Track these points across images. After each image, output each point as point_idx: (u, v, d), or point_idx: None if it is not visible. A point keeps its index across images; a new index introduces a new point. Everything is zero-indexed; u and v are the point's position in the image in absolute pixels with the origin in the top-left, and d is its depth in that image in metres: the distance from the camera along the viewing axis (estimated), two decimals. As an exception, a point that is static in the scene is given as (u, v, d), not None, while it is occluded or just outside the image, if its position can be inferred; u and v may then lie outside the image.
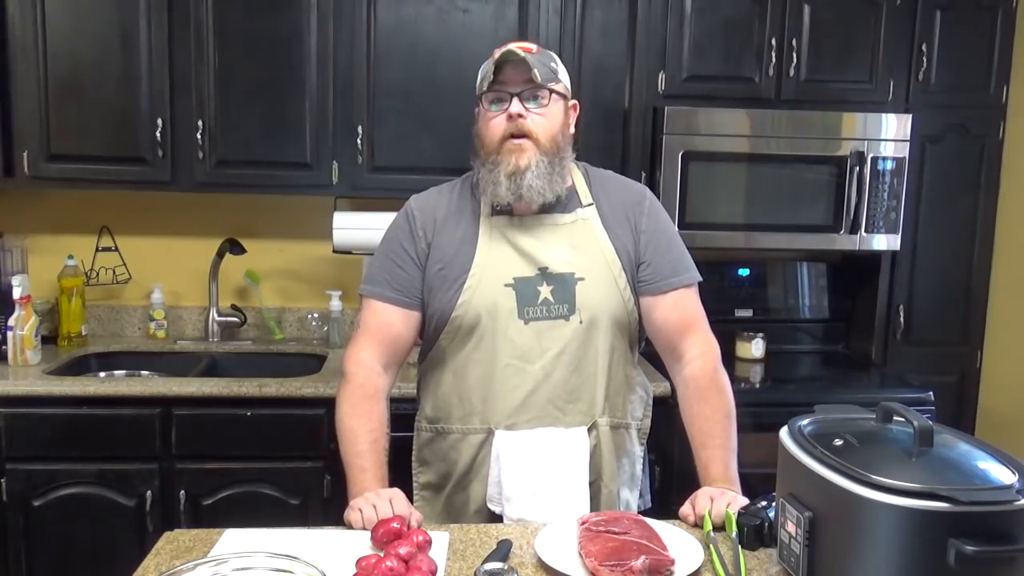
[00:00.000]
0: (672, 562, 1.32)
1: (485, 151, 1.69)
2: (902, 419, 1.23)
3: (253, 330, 3.17)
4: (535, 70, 1.63)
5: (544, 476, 1.66)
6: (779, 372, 3.02)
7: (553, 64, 1.69)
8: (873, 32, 2.92)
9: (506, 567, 1.30)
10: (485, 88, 1.66)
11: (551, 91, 1.67)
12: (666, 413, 2.25)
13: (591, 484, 1.70)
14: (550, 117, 1.67)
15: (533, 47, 1.68)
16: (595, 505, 1.72)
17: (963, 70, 2.97)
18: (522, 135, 1.65)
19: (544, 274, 1.69)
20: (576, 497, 1.67)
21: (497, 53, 1.67)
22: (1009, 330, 3.09)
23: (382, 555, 1.32)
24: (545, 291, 1.68)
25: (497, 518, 1.68)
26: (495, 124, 1.67)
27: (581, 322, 1.69)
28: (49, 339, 2.91)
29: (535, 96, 1.66)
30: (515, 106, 1.64)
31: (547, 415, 1.69)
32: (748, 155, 2.87)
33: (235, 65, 2.75)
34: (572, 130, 1.75)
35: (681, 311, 1.74)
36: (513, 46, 1.66)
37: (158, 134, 2.74)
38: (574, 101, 1.76)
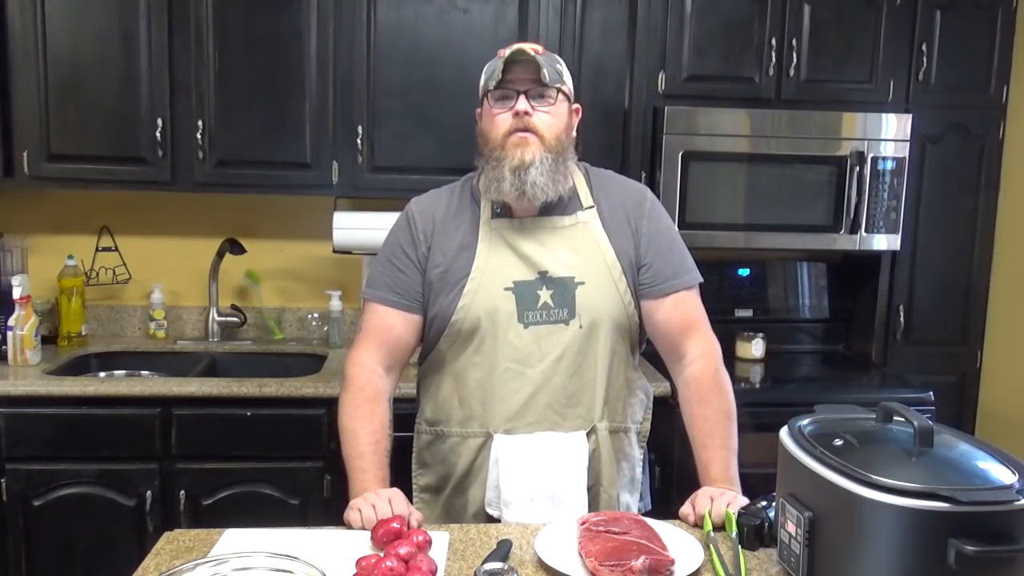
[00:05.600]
0: (672, 562, 1.32)
1: (489, 147, 1.68)
2: (902, 419, 1.23)
3: (253, 330, 3.17)
4: (544, 69, 1.63)
5: (542, 481, 1.65)
6: (779, 372, 3.02)
7: (559, 66, 1.70)
8: (873, 32, 2.91)
9: (506, 567, 1.30)
10: (492, 86, 1.65)
11: (558, 90, 1.67)
12: (666, 413, 2.25)
13: (590, 489, 1.70)
14: (556, 116, 1.67)
15: (539, 48, 1.68)
16: (594, 509, 1.70)
17: (963, 70, 2.97)
18: (527, 130, 1.64)
19: (544, 278, 1.68)
20: (574, 502, 1.66)
21: (504, 52, 1.67)
22: (1009, 330, 3.09)
23: (382, 555, 1.32)
24: (545, 295, 1.68)
25: (495, 522, 1.67)
26: (500, 120, 1.66)
27: (581, 326, 1.68)
28: (49, 339, 2.91)
29: (542, 95, 1.65)
30: (522, 103, 1.64)
31: (546, 419, 1.68)
32: (748, 155, 2.87)
33: (235, 65, 2.75)
34: (574, 133, 1.75)
35: (682, 313, 1.73)
36: (522, 45, 1.66)
37: (158, 134, 2.73)
38: (577, 105, 1.76)
